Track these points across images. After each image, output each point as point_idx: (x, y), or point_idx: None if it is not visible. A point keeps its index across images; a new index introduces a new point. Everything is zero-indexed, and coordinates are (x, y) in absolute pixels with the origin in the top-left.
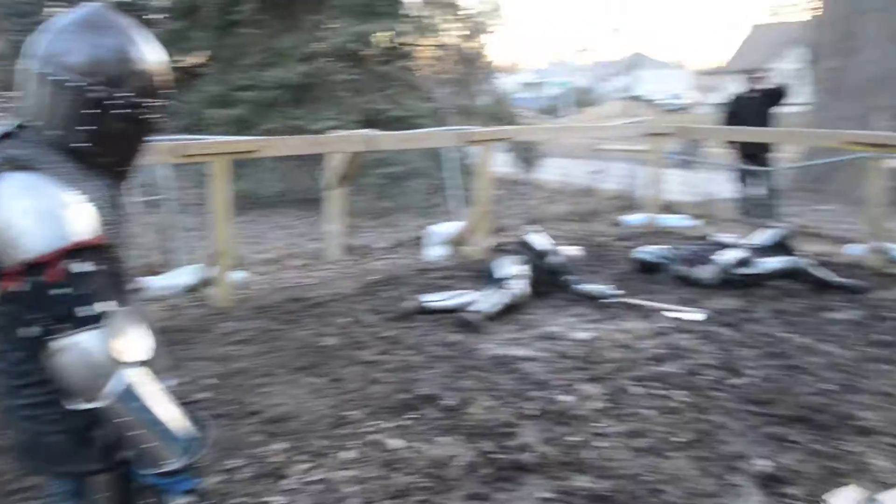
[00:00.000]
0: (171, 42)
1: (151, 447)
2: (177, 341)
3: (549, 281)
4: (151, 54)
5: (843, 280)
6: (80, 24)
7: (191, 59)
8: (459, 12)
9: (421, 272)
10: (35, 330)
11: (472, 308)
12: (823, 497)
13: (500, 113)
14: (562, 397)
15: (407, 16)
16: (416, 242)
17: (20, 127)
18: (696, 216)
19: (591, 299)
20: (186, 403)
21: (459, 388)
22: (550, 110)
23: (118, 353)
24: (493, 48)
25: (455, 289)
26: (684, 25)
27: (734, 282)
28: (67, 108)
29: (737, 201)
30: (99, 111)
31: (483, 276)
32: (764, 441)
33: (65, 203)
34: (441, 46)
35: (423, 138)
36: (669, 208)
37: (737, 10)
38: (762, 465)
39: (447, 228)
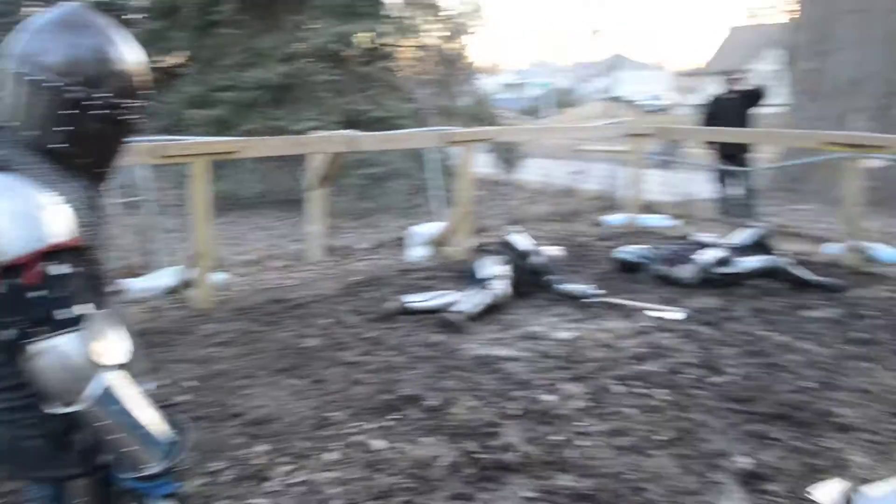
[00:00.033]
0: (151, 42)
1: (131, 451)
2: (157, 343)
3: (531, 281)
4: (130, 54)
5: (821, 279)
6: (58, 23)
7: (170, 60)
8: (440, 13)
9: (403, 273)
10: (12, 333)
11: (454, 308)
12: (807, 490)
13: (481, 114)
14: (544, 397)
15: (388, 16)
16: (398, 243)
17: None
18: (676, 216)
19: (573, 299)
20: (166, 406)
21: (442, 388)
22: (531, 111)
23: (97, 357)
24: (474, 49)
25: (437, 289)
26: (664, 27)
27: (714, 281)
28: (44, 109)
29: (716, 201)
30: (77, 112)
31: (465, 277)
32: (745, 438)
33: (41, 204)
34: (422, 47)
35: (405, 139)
36: (650, 208)
37: (715, 12)
38: (743, 462)
39: (429, 229)
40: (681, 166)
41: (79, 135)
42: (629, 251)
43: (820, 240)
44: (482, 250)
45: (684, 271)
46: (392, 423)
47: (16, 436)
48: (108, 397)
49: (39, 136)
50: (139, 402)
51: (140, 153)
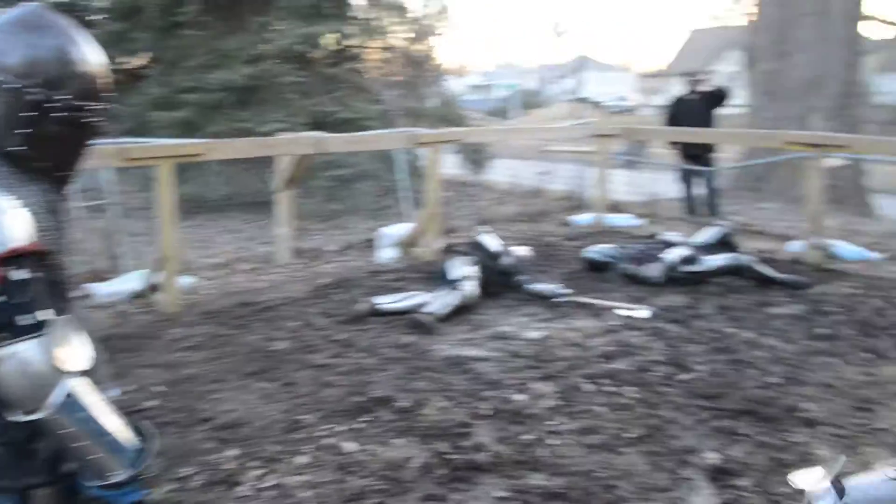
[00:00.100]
0: (113, 44)
1: (96, 459)
2: (124, 348)
3: (500, 281)
4: (91, 56)
5: (785, 276)
6: (16, 24)
7: (134, 61)
8: (407, 15)
9: (372, 274)
10: None
11: (424, 310)
12: (789, 477)
13: (448, 115)
14: (515, 396)
15: (354, 18)
16: (367, 245)
17: None
18: (642, 215)
19: (542, 299)
20: (132, 413)
21: (413, 389)
22: (499, 112)
23: (60, 363)
24: (441, 51)
25: (407, 290)
26: (626, 29)
27: (680, 279)
28: (3, 111)
29: (681, 200)
30: (36, 114)
31: (435, 278)
32: (713, 434)
33: (0, 209)
34: (389, 49)
35: (372, 140)
36: (616, 208)
37: (675, 14)
38: (712, 458)
39: (398, 230)
40: (646, 166)
41: (38, 138)
42: (596, 251)
43: (783, 238)
44: (451, 251)
45: (651, 270)
46: (363, 425)
47: None
48: (71, 404)
49: None
50: (103, 408)
51: (104, 156)
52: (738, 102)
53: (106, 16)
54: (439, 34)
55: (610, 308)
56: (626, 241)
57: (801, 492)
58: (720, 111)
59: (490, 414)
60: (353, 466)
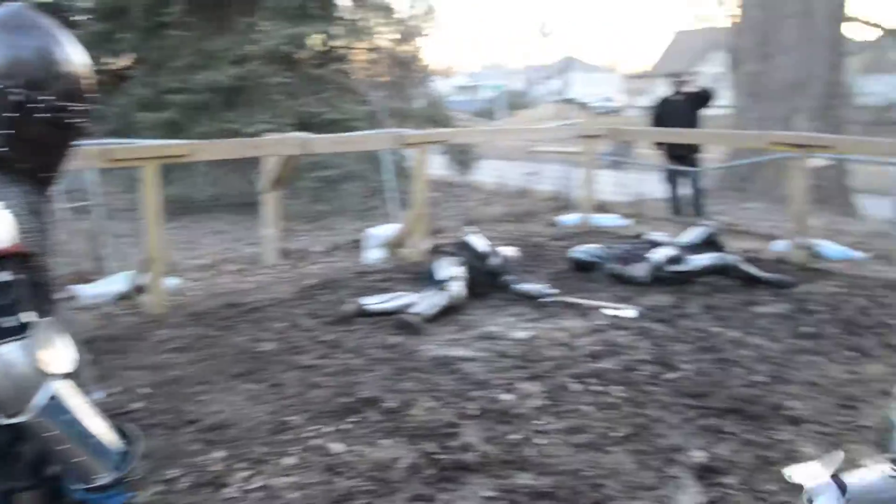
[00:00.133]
0: (97, 44)
1: (81, 461)
2: (109, 350)
3: (487, 281)
4: (75, 56)
5: (770, 275)
6: None
7: (119, 62)
8: (393, 15)
9: (359, 275)
10: None
11: (411, 310)
12: (786, 472)
13: (435, 116)
14: (502, 396)
15: (340, 19)
16: (354, 245)
17: None
18: (628, 216)
19: (529, 299)
20: (118, 415)
21: (400, 389)
22: (485, 113)
23: (43, 365)
24: (428, 51)
25: (394, 291)
26: (611, 30)
27: (666, 279)
28: None
29: (667, 201)
30: (18, 115)
31: (422, 278)
32: (699, 433)
33: None
34: (375, 49)
35: (359, 141)
36: (602, 208)
37: (660, 16)
38: (698, 456)
39: (385, 231)
40: (632, 167)
41: (21, 139)
42: (583, 251)
43: (768, 237)
44: (438, 251)
45: (637, 270)
46: (350, 425)
47: None
48: (55, 407)
49: None
50: (88, 411)
51: (89, 157)
52: (722, 103)
53: (90, 16)
54: (426, 35)
55: (597, 308)
56: (613, 241)
57: (798, 487)
58: (705, 112)
59: (477, 414)
60: (341, 467)
